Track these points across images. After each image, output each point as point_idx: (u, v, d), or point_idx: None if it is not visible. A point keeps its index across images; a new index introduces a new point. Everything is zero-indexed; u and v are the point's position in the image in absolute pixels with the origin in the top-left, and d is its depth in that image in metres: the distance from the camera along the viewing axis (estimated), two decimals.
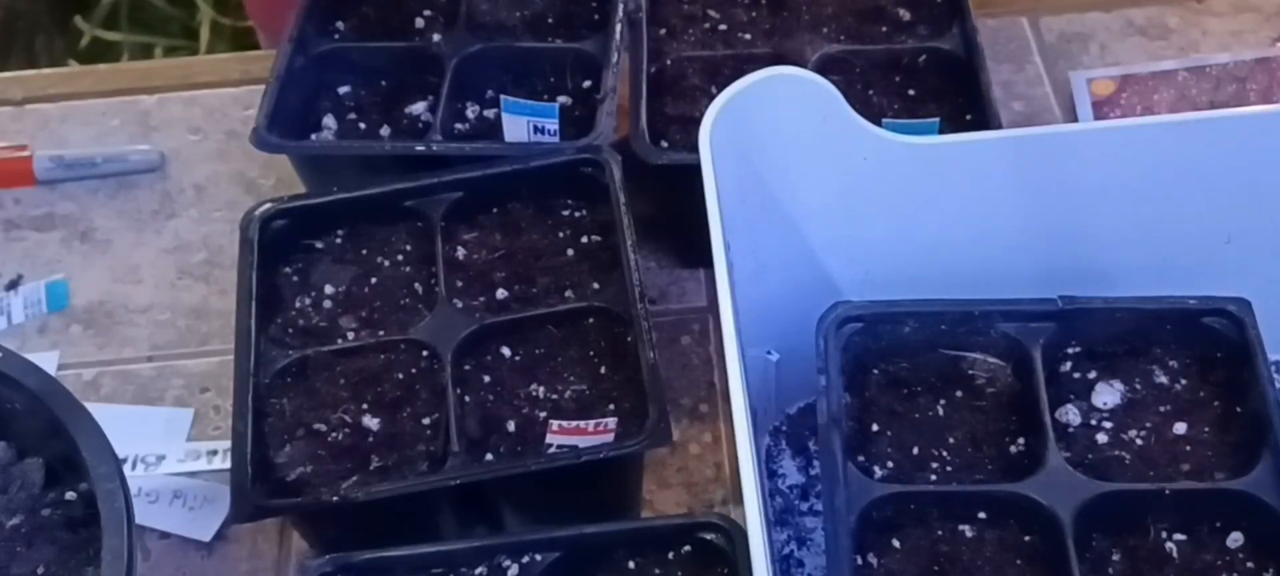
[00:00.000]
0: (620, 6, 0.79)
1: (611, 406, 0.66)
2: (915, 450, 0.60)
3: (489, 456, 0.64)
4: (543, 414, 0.66)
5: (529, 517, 0.66)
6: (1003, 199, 0.64)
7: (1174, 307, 0.62)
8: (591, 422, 0.65)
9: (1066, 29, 0.90)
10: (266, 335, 0.69)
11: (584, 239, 0.72)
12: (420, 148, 0.75)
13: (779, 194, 0.63)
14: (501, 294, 0.70)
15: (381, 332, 0.69)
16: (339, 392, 0.67)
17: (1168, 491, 0.57)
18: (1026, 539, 0.57)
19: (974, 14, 0.80)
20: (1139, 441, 0.60)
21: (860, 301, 0.62)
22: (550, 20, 0.83)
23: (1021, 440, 0.60)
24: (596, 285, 0.70)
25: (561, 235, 0.72)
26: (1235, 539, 0.57)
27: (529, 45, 0.81)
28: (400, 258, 0.73)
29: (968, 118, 0.76)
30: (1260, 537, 0.57)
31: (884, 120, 0.74)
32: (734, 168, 0.59)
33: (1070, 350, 0.63)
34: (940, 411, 0.62)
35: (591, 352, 0.68)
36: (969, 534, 0.58)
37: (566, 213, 0.73)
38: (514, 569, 0.60)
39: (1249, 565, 0.56)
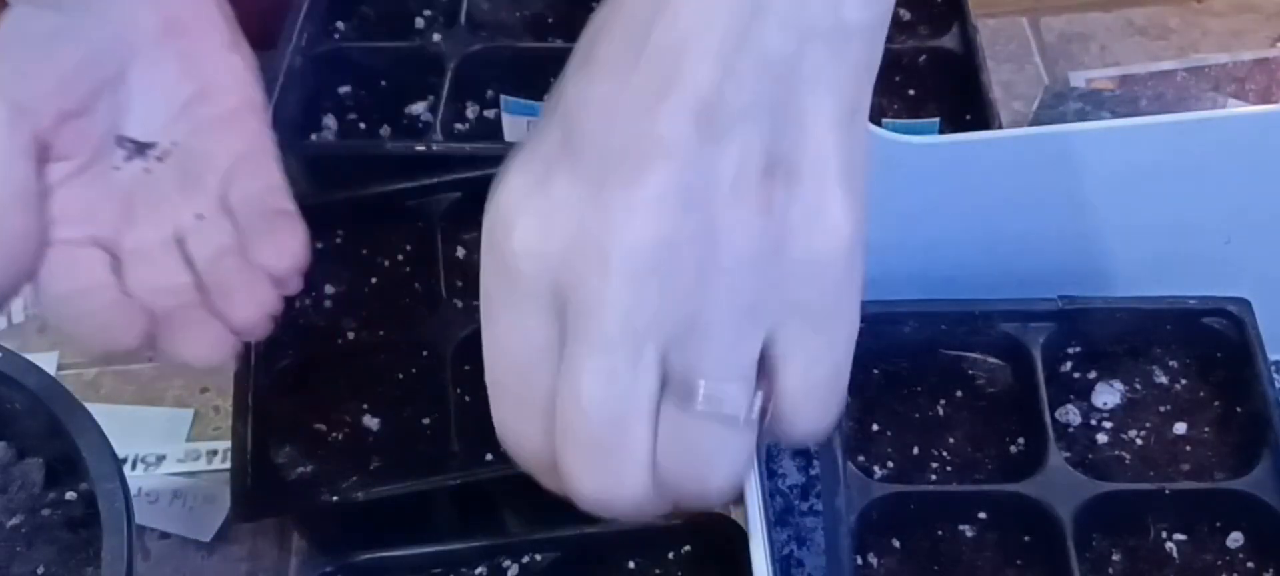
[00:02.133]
0: None
1: None
2: (915, 450, 0.60)
3: (489, 456, 0.64)
4: None
5: (529, 517, 0.66)
6: (1003, 199, 0.64)
7: (1174, 308, 0.62)
8: None
9: (1066, 29, 0.90)
10: (267, 336, 0.69)
11: None
12: (421, 148, 0.75)
13: None
14: None
15: (382, 332, 0.69)
16: (339, 392, 0.67)
17: (1168, 491, 0.57)
18: (1026, 539, 0.57)
19: (974, 14, 0.80)
20: (1139, 441, 0.60)
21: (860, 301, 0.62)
22: (551, 20, 0.83)
23: (1021, 440, 0.60)
24: None
25: None
26: (1235, 539, 0.57)
27: (530, 45, 0.81)
28: (400, 258, 0.73)
29: (968, 118, 0.76)
30: (1260, 537, 0.57)
31: (884, 120, 0.74)
32: None
33: (1070, 350, 0.63)
34: (940, 411, 0.62)
35: None
36: (969, 534, 0.58)
37: None
38: (514, 569, 0.60)
39: (1249, 565, 0.56)
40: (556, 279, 0.40)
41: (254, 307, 0.56)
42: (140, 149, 0.57)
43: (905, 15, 0.82)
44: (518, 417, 0.44)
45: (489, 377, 0.44)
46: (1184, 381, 0.62)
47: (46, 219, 0.54)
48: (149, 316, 0.54)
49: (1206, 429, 0.60)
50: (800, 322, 0.42)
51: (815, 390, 0.43)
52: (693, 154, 0.40)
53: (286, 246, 0.57)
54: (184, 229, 0.57)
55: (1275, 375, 0.64)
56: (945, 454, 0.60)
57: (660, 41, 0.41)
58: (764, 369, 0.42)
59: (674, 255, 0.40)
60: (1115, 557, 0.57)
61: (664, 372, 0.41)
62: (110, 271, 0.55)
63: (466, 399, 0.66)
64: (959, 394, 0.62)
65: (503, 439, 0.45)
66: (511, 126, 0.77)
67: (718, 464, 0.42)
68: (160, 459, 0.73)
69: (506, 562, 0.60)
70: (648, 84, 0.40)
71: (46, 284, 0.54)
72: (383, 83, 0.81)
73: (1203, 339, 0.62)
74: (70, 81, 0.55)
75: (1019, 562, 0.57)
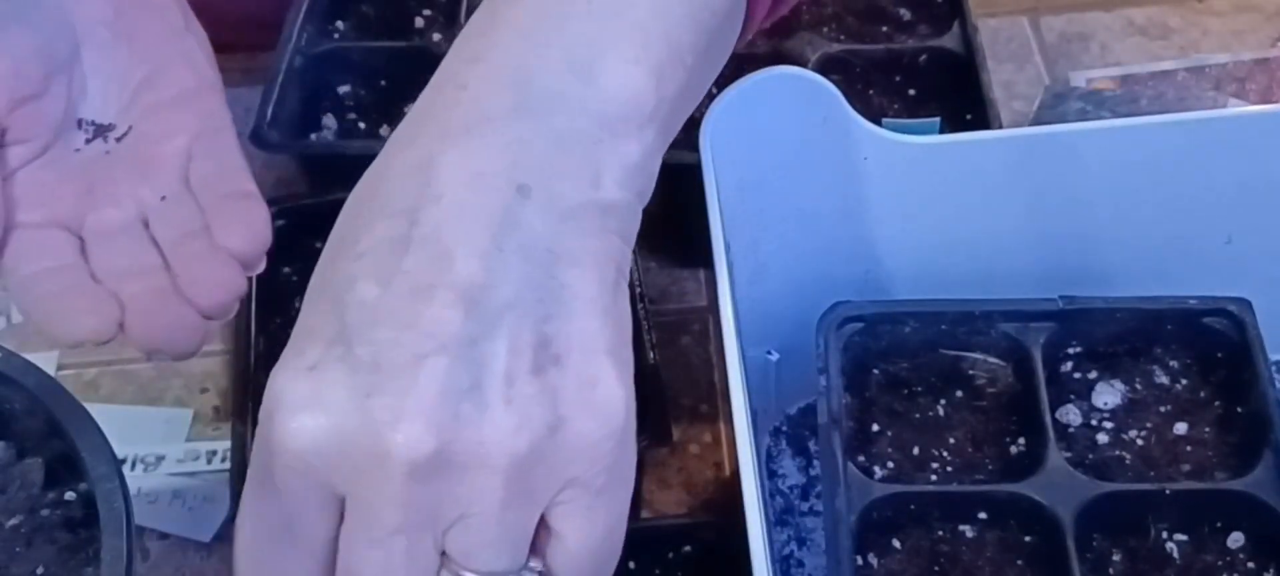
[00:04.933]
0: None
1: None
2: (915, 450, 0.60)
3: None
4: None
5: None
6: (1003, 199, 0.64)
7: (1174, 307, 0.62)
8: None
9: (1067, 29, 0.90)
10: (266, 335, 0.69)
11: None
12: None
13: (779, 194, 0.63)
14: None
15: None
16: None
17: (1168, 491, 0.57)
18: (1027, 539, 0.57)
19: (974, 13, 0.80)
20: (1139, 441, 0.60)
21: (860, 301, 0.62)
22: None
23: (1022, 440, 0.60)
24: None
25: None
26: (1236, 539, 0.57)
27: None
28: None
29: (968, 117, 0.76)
30: (1261, 538, 0.57)
31: (884, 120, 0.74)
32: (734, 168, 0.58)
33: (1071, 350, 0.63)
34: (940, 411, 0.61)
35: None
36: (969, 534, 0.58)
37: None
38: None
39: (1250, 565, 0.56)
40: (331, 474, 0.41)
41: (221, 291, 0.55)
42: (101, 130, 0.57)
43: (905, 15, 0.82)
44: None
45: (239, 548, 0.44)
46: (1184, 381, 0.62)
47: (8, 201, 0.54)
48: (119, 303, 0.54)
49: (1207, 429, 0.60)
50: (577, 493, 0.42)
51: (592, 554, 0.44)
52: (464, 348, 0.40)
53: (250, 228, 0.56)
54: (147, 210, 0.57)
55: (1276, 375, 0.64)
56: (945, 454, 0.60)
57: (425, 231, 0.41)
58: (540, 530, 0.43)
59: (450, 455, 0.40)
60: (1116, 558, 0.57)
61: (442, 551, 0.42)
62: (77, 254, 0.55)
63: None
64: (959, 394, 0.62)
65: None
66: None
67: None
68: (160, 459, 0.73)
69: None
70: (416, 279, 0.41)
71: (12, 267, 0.54)
72: (382, 82, 0.81)
73: (1203, 339, 0.62)
74: (23, 67, 0.54)
75: (1019, 563, 0.57)
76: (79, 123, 0.57)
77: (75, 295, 0.54)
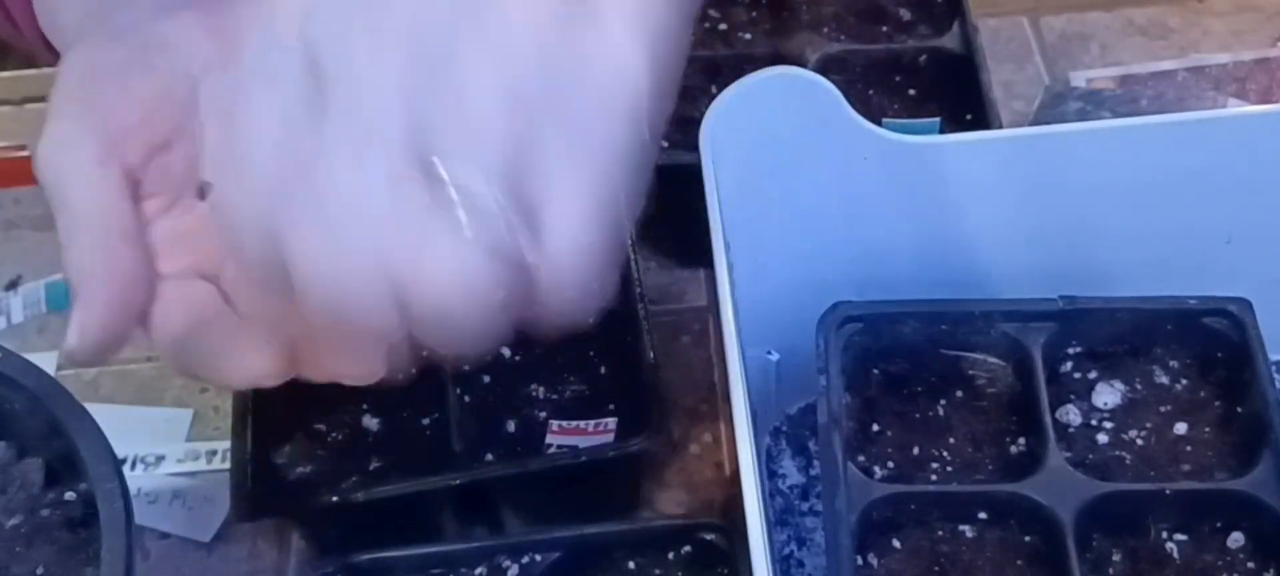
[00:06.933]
0: None
1: (611, 406, 0.66)
2: (915, 450, 0.60)
3: (489, 456, 0.64)
4: (543, 414, 0.66)
5: (529, 517, 0.66)
6: (1003, 199, 0.64)
7: (1174, 308, 0.62)
8: (591, 422, 0.65)
9: (1067, 29, 0.90)
10: None
11: None
12: None
13: (779, 194, 0.63)
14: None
15: None
16: (339, 392, 0.67)
17: (1168, 491, 0.57)
18: (1027, 539, 0.57)
19: (974, 13, 0.80)
20: (1139, 441, 0.60)
21: (860, 301, 0.62)
22: None
23: (1022, 440, 0.60)
24: None
25: None
26: (1236, 539, 0.57)
27: None
28: None
29: (968, 117, 0.76)
30: (1261, 537, 0.57)
31: (884, 120, 0.74)
32: (734, 168, 0.59)
33: (1071, 350, 0.63)
34: (941, 411, 0.61)
35: (591, 352, 0.68)
36: (969, 534, 0.58)
37: None
38: (514, 569, 0.60)
39: (1250, 565, 0.56)
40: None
41: None
42: None
43: (905, 15, 0.82)
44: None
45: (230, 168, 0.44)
46: (1184, 381, 0.62)
47: (148, 254, 0.52)
48: (285, 337, 0.51)
49: (1207, 429, 0.60)
50: (564, 144, 0.41)
51: (580, 231, 0.41)
52: None
53: None
54: None
55: (1276, 375, 0.64)
56: (945, 454, 0.60)
57: None
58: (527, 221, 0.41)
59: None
60: (1116, 558, 0.57)
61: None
62: (221, 302, 0.53)
63: (466, 399, 0.66)
64: (959, 394, 0.62)
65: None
66: None
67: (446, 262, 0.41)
68: (160, 459, 0.73)
69: (506, 562, 0.60)
70: None
71: (162, 324, 0.51)
72: None
73: (1203, 339, 0.62)
74: (151, 114, 0.53)
75: (1019, 563, 0.57)
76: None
77: (232, 341, 0.51)
